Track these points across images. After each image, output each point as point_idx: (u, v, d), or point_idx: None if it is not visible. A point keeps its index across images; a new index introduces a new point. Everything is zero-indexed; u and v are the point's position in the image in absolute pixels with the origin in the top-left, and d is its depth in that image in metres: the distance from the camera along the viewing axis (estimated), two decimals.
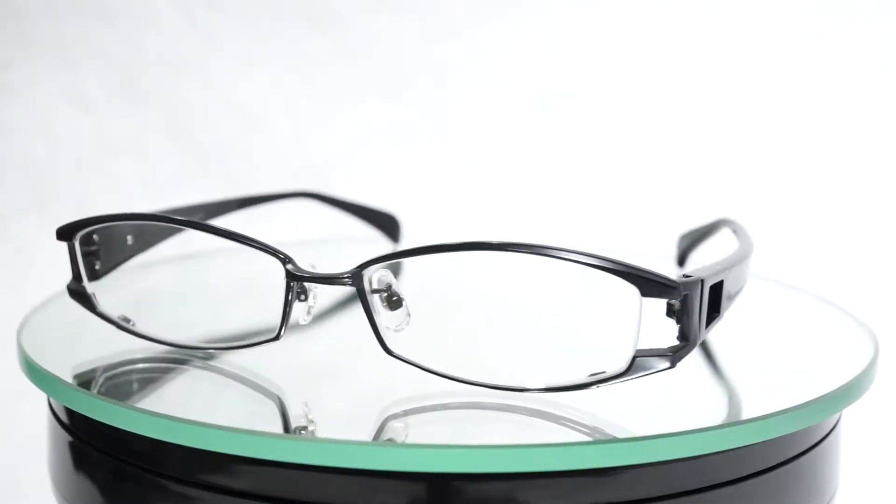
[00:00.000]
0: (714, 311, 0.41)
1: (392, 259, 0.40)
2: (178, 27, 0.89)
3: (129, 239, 0.49)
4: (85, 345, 0.47)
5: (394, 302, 0.40)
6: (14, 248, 0.88)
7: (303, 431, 0.38)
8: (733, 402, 0.43)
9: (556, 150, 0.89)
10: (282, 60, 0.89)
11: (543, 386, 0.39)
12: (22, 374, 0.43)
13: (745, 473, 0.39)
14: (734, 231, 0.52)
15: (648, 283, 0.38)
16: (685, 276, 0.39)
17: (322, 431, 0.39)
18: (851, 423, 0.48)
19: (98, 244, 0.46)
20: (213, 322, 0.51)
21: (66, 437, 0.42)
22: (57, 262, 0.54)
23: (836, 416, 0.44)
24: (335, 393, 0.43)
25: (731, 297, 0.43)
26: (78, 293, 0.45)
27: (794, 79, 0.86)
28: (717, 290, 0.41)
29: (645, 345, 0.38)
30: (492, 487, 0.36)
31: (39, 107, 0.90)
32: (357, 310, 0.40)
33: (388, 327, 0.40)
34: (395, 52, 0.89)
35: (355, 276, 0.40)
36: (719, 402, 0.42)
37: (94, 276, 0.45)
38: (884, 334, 0.50)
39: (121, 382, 0.44)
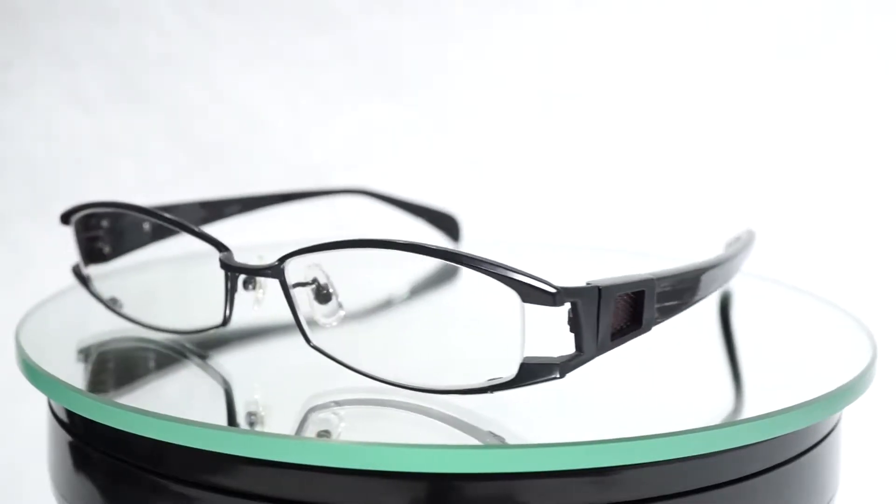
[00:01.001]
0: (634, 322, 0.38)
1: (308, 252, 0.40)
2: (178, 27, 0.89)
3: (146, 226, 0.50)
4: (83, 344, 0.47)
5: (322, 296, 0.41)
6: (14, 248, 0.88)
7: (253, 417, 0.39)
8: (734, 401, 0.43)
9: (557, 150, 0.88)
10: (282, 60, 0.89)
11: (446, 388, 0.39)
12: (21, 374, 0.43)
13: (745, 473, 0.39)
14: (739, 240, 0.52)
15: (526, 289, 0.37)
16: (588, 283, 0.37)
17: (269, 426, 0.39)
18: (851, 423, 0.48)
19: (104, 229, 0.48)
20: (193, 312, 0.51)
21: (66, 437, 0.42)
22: (57, 262, 0.54)
23: (836, 416, 0.43)
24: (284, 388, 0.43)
25: (670, 310, 0.40)
26: (76, 273, 0.48)
27: (794, 78, 0.86)
28: (636, 300, 0.38)
29: (539, 352, 0.37)
30: (491, 487, 0.36)
31: (39, 107, 0.90)
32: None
33: (317, 320, 0.41)
34: (395, 52, 0.89)
35: (275, 269, 0.40)
36: (719, 401, 0.42)
37: (102, 258, 0.48)
38: (884, 334, 0.50)
39: (119, 382, 0.44)
